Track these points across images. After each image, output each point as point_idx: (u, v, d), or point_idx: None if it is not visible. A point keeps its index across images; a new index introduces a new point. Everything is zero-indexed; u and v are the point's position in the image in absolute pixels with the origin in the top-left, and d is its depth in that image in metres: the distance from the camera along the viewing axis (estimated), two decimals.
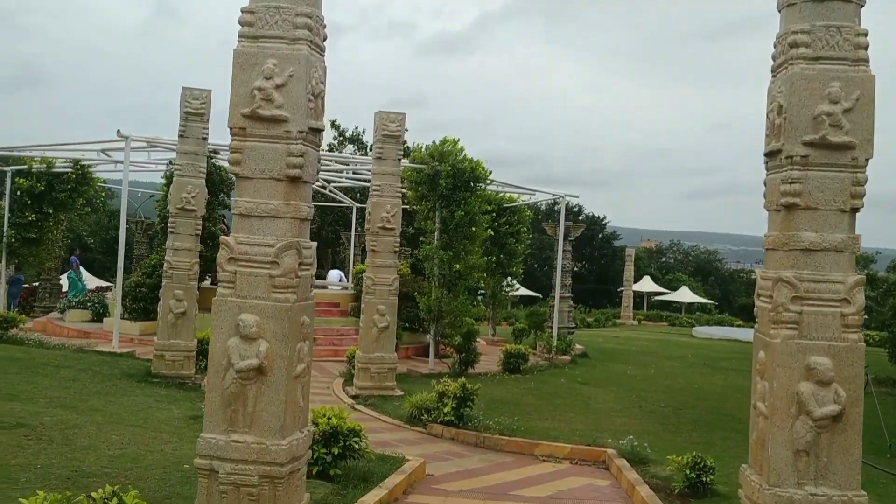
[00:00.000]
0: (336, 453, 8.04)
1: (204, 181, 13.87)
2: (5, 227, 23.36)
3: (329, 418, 8.25)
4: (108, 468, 7.84)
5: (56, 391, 11.54)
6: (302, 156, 5.67)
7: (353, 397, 14.21)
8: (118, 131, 16.10)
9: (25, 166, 23.71)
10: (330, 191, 29.40)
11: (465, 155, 18.28)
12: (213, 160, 20.63)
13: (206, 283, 21.97)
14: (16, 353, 14.56)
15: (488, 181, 18.89)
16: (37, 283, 27.79)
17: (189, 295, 13.68)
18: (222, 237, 5.84)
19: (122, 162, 20.74)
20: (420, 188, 18.28)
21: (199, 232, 13.83)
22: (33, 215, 23.61)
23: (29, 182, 23.25)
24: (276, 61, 5.66)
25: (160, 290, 13.98)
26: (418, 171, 18.21)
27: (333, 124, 44.14)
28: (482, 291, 27.64)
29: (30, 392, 11.18)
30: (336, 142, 41.91)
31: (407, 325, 20.87)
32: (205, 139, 13.79)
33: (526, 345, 20.87)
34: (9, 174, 23.79)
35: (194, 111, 13.61)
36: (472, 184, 18.33)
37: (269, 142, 5.68)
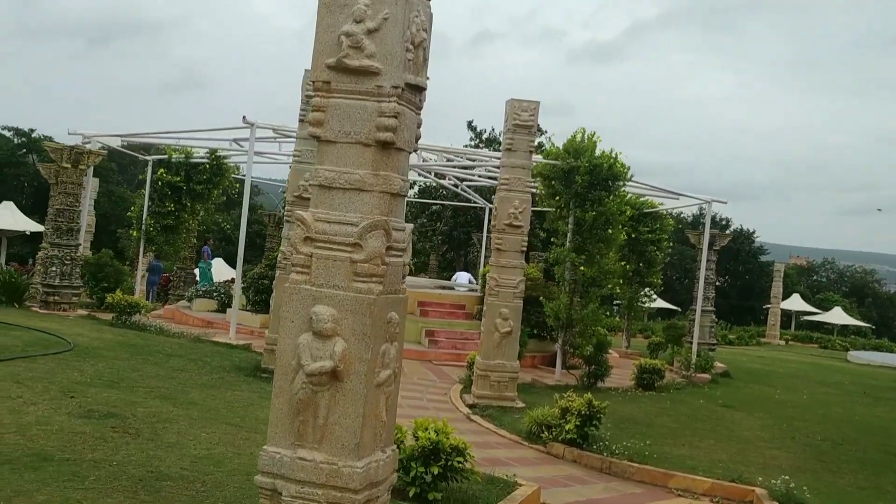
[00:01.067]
0: (436, 473, 7.01)
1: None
2: (145, 216, 23.79)
3: (430, 432, 7.23)
4: (188, 470, 7.11)
5: (160, 381, 11.07)
6: (395, 116, 4.65)
7: (470, 406, 13.19)
8: (244, 117, 15.72)
9: (165, 156, 24.10)
10: (462, 190, 28.57)
11: (602, 151, 16.94)
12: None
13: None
14: (133, 339, 14.36)
15: (627, 179, 17.45)
16: (173, 272, 28.31)
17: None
18: (297, 212, 4.92)
19: (259, 153, 20.59)
20: (553, 185, 17.08)
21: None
22: (172, 205, 23.97)
23: (169, 175, 23.61)
24: (369, 1, 4.67)
25: (273, 282, 13.38)
26: (551, 167, 17.02)
27: (470, 125, 43.44)
28: (618, 302, 26.07)
29: (133, 380, 10.74)
30: (473, 144, 41.19)
31: (534, 331, 19.70)
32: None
33: (662, 360, 19.27)
34: (150, 163, 24.24)
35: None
36: (609, 182, 16.97)
37: (357, 98, 4.69)
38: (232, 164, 25.32)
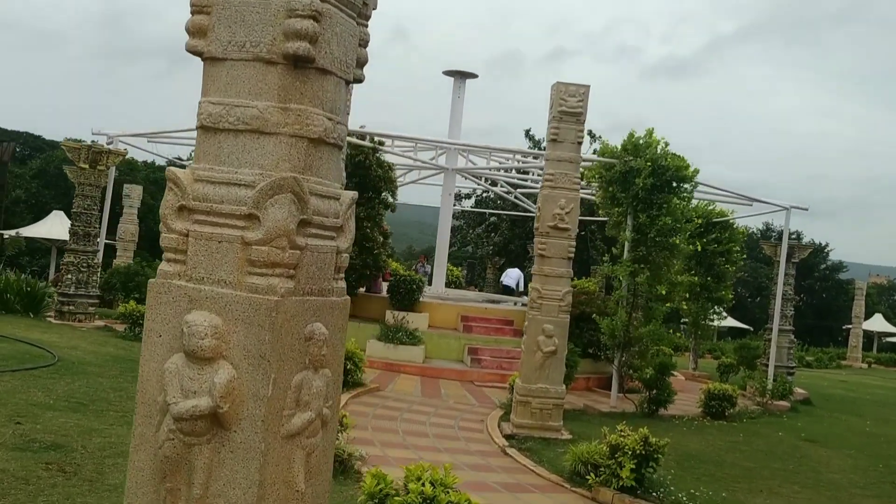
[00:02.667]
0: None
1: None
2: None
3: (425, 485, 5.49)
4: None
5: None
6: (314, 17, 2.95)
7: (508, 437, 11.39)
8: None
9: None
10: (515, 198, 26.79)
11: (666, 149, 14.99)
12: (378, 153, 18.61)
13: (362, 290, 19.99)
14: (134, 354, 12.94)
15: (694, 183, 15.44)
16: None
17: None
18: (169, 168, 3.26)
19: None
20: (610, 189, 15.20)
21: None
22: None
23: None
24: None
25: None
26: (608, 168, 15.15)
27: (527, 134, 41.64)
28: (684, 320, 23.89)
29: (107, 402, 9.25)
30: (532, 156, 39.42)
31: (590, 350, 17.79)
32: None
33: (734, 385, 17.13)
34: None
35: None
36: (675, 184, 15.02)
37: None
38: None
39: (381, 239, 19.28)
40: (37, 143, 60.15)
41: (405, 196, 32.31)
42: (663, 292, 15.02)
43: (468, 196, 46.57)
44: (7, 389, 9.02)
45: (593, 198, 18.30)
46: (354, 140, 17.95)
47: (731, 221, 21.57)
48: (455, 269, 31.48)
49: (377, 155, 18.41)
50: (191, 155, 23.30)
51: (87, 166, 16.68)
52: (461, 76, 22.19)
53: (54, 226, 36.61)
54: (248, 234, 2.97)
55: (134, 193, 30.89)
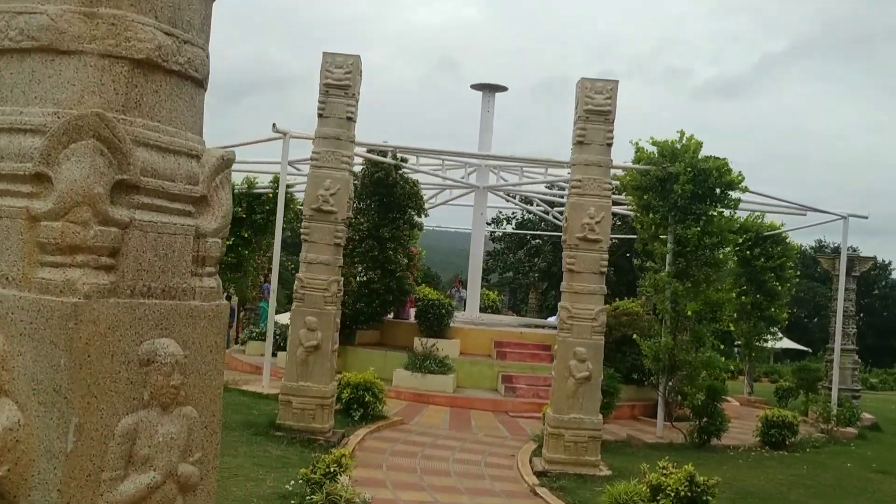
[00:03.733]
0: None
1: (348, 175, 10.61)
2: None
3: None
4: None
5: None
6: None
7: (539, 474, 10.21)
8: (273, 125, 13.41)
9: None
10: (553, 216, 25.62)
11: (699, 152, 13.75)
12: (401, 171, 17.68)
13: (390, 316, 19.00)
14: None
15: (742, 188, 14.15)
16: (242, 314, 26.36)
17: (325, 323, 10.38)
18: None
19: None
20: (646, 197, 14.00)
21: (341, 240, 10.54)
22: (232, 239, 22.04)
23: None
24: None
25: (291, 315, 10.84)
26: (643, 175, 13.97)
27: None
28: (738, 343, 22.38)
29: None
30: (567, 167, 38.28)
31: (633, 376, 16.52)
32: (350, 119, 10.58)
33: (794, 410, 15.68)
34: None
35: (336, 82, 10.48)
36: (718, 192, 13.78)
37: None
38: (298, 193, 23.29)
39: (406, 261, 18.30)
40: None
41: (440, 219, 31.36)
42: (689, 313, 13.67)
43: (508, 220, 45.50)
44: None
45: (628, 208, 17.12)
46: (375, 157, 17.06)
47: (783, 235, 20.15)
48: (491, 292, 30.30)
49: (401, 171, 17.47)
50: None
51: None
52: (490, 90, 21.23)
53: None
54: (34, 205, 1.96)
55: None
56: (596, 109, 10.35)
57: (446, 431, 13.05)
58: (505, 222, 45.89)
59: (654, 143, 13.81)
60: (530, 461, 10.96)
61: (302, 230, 10.65)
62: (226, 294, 24.58)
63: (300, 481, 7.58)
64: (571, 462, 10.28)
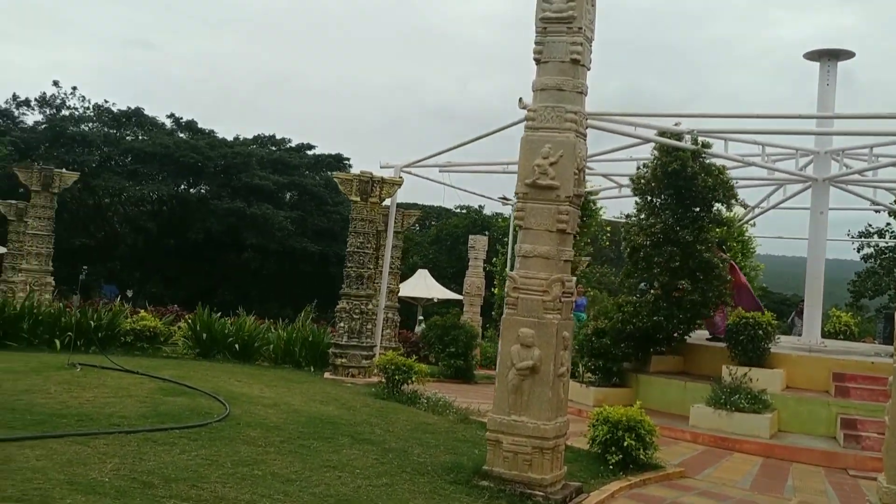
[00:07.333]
0: None
1: (575, 138, 7.73)
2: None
3: None
4: None
5: (287, 483, 6.69)
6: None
7: None
8: (520, 100, 10.97)
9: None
10: None
11: None
12: (702, 157, 14.28)
13: (690, 338, 15.49)
14: (353, 415, 10.21)
15: None
16: None
17: (545, 337, 7.56)
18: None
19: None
20: None
21: (566, 225, 7.69)
22: None
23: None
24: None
25: (501, 325, 8.14)
26: None
27: None
28: None
29: (260, 495, 6.38)
30: None
31: None
32: (577, 63, 7.76)
33: None
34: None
35: (556, 14, 7.76)
36: None
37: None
38: (599, 207, 20.56)
39: (721, 264, 14.79)
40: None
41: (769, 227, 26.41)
42: None
43: (881, 233, 38.82)
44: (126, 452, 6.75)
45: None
46: (668, 140, 13.92)
47: None
48: (843, 314, 24.73)
49: (701, 159, 14.06)
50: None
51: (358, 199, 14.78)
52: (830, 57, 16.88)
53: (419, 284, 36.69)
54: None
55: (478, 245, 29.38)
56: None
57: (745, 492, 9.51)
58: (876, 236, 39.25)
59: None
60: None
61: (515, 214, 8.04)
62: None
63: None
64: None
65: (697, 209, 14.31)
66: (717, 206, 14.59)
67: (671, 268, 14.13)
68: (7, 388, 9.13)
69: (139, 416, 8.45)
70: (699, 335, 16.06)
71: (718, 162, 14.67)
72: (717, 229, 15.08)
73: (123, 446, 7.13)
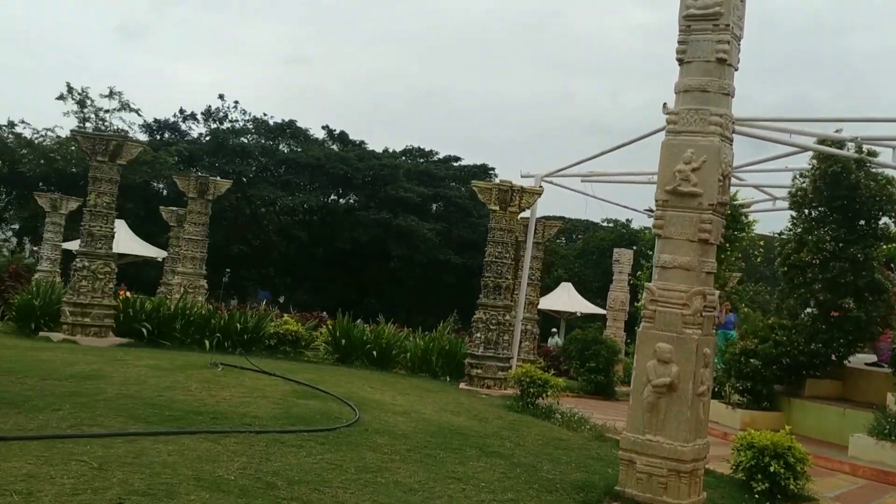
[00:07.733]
0: None
1: (720, 142, 7.21)
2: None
3: None
4: None
5: (408, 493, 6.57)
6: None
7: None
8: (664, 105, 10.50)
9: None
10: None
11: None
12: (867, 165, 13.25)
13: (854, 360, 14.33)
14: (485, 427, 10.00)
15: None
16: None
17: (684, 353, 7.07)
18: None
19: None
20: None
21: (709, 235, 7.18)
22: None
23: None
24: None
25: (637, 339, 7.70)
26: None
27: None
28: None
29: (380, 503, 6.32)
30: None
31: None
32: (723, 62, 7.26)
33: None
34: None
35: (701, 11, 7.30)
36: None
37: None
38: (751, 220, 19.45)
39: (890, 285, 13.68)
40: None
41: None
42: None
43: None
44: (238, 451, 6.85)
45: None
46: (828, 149, 12.99)
47: None
48: None
49: (866, 167, 13.04)
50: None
51: (497, 208, 14.62)
52: None
53: (561, 297, 36.21)
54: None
55: (623, 258, 28.58)
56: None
57: None
58: None
59: None
60: None
61: (654, 223, 7.61)
62: None
63: None
64: None
65: (862, 222, 13.26)
66: (885, 219, 13.47)
67: (837, 285, 13.14)
68: (151, 385, 9.50)
69: (271, 416, 8.57)
70: (859, 359, 14.89)
71: (887, 173, 13.57)
72: (886, 246, 13.92)
73: (252, 446, 7.21)
